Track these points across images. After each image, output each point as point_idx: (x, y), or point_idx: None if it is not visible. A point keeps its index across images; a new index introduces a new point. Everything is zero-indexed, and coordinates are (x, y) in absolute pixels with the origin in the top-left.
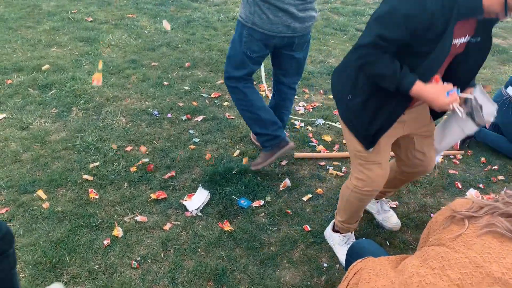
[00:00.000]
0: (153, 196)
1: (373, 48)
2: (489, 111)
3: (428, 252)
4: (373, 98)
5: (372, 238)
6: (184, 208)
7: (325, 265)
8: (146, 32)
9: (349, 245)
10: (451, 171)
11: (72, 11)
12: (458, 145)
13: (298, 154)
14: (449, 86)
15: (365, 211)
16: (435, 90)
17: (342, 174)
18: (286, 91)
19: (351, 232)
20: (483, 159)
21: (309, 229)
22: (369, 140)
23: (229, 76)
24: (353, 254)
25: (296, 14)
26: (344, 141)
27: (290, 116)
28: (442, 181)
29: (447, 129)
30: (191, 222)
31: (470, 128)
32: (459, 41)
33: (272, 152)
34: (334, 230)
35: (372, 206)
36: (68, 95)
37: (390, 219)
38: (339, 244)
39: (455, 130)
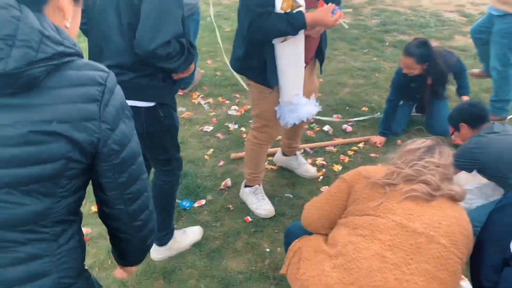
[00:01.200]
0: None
1: (259, 19)
2: None
3: (355, 221)
4: (269, 56)
5: None
6: None
7: (267, 250)
8: None
9: (257, 195)
10: (372, 155)
11: None
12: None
13: (234, 155)
14: (331, 6)
15: (303, 186)
16: (322, 12)
17: (276, 168)
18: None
19: (259, 185)
20: (399, 141)
21: (250, 220)
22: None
23: None
24: (290, 235)
25: None
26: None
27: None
28: (365, 164)
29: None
30: None
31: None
32: None
33: None
34: (245, 186)
35: (293, 163)
36: None
37: (309, 170)
38: (249, 194)
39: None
